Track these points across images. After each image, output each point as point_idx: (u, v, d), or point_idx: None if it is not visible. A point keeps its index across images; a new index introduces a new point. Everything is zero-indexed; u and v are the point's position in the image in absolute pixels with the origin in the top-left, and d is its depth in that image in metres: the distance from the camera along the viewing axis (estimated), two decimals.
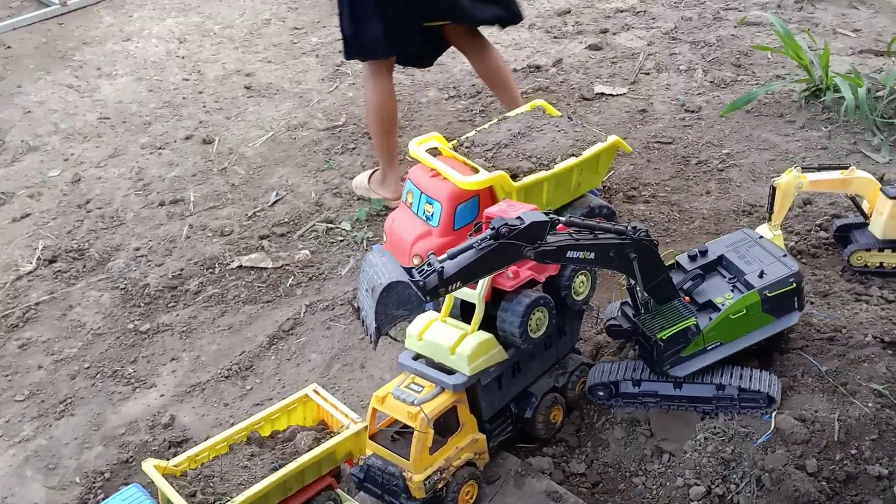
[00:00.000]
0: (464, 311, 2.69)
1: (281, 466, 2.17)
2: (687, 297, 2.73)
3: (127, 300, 3.82)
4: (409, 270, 2.22)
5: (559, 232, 2.40)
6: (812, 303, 3.11)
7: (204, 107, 5.40)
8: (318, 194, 4.38)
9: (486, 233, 2.29)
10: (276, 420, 2.40)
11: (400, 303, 2.15)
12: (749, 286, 2.67)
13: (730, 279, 2.75)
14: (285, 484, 2.17)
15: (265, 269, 3.90)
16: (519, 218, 2.31)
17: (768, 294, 2.64)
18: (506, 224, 2.28)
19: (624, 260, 2.50)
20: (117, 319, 3.71)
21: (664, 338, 2.63)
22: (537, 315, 2.60)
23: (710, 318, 2.66)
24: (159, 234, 4.23)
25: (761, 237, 2.88)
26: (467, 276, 2.24)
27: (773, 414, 2.62)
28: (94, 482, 2.96)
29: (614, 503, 2.66)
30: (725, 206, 3.85)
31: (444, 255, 2.25)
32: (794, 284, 2.66)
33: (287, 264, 3.91)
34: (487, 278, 2.54)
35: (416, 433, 2.48)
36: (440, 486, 2.54)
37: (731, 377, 2.69)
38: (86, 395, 3.34)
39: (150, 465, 2.15)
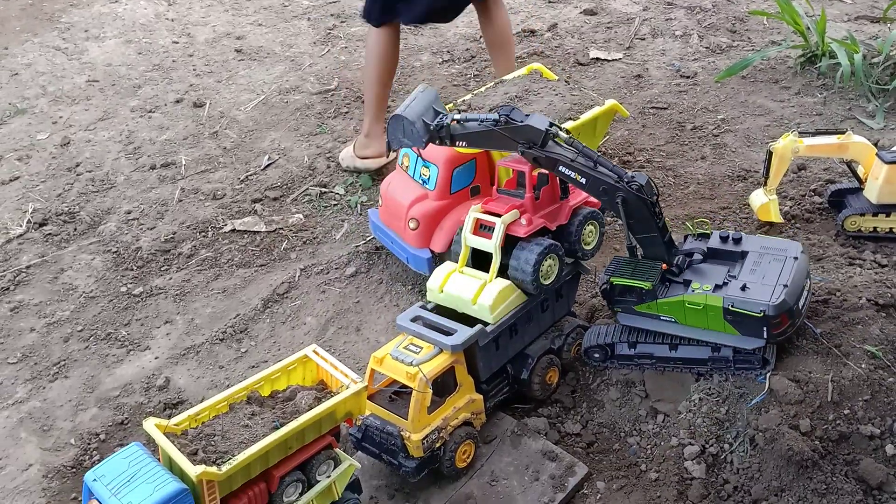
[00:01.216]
0: (476, 261, 2.75)
1: (282, 425, 2.17)
2: (665, 265, 2.71)
3: (119, 263, 3.79)
4: (437, 114, 2.62)
5: (565, 147, 2.56)
6: None
7: (194, 70, 5.33)
8: (310, 158, 4.35)
9: (492, 115, 2.54)
10: (276, 380, 2.40)
11: (405, 133, 2.62)
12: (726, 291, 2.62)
13: (728, 275, 2.69)
14: (286, 442, 2.17)
15: (258, 232, 3.88)
16: (527, 115, 2.52)
17: (731, 307, 2.58)
18: (508, 116, 2.53)
19: (611, 200, 2.58)
20: (110, 282, 3.69)
21: (613, 282, 2.72)
22: (548, 262, 2.67)
23: (677, 295, 2.66)
24: (151, 198, 4.19)
25: (797, 258, 2.68)
26: (469, 141, 2.64)
27: (768, 375, 2.64)
28: (89, 443, 2.96)
29: (609, 462, 2.68)
30: (720, 171, 3.85)
31: (460, 116, 2.58)
32: (762, 314, 2.54)
33: (281, 228, 3.89)
34: (501, 227, 2.63)
35: (414, 393, 2.49)
36: (438, 445, 2.55)
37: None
38: (79, 358, 3.33)
39: (151, 424, 2.14)
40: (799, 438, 2.50)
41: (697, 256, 2.76)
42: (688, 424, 2.66)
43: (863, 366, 2.62)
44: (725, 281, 2.66)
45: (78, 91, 5.17)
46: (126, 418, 3.05)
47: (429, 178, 3.29)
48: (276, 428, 2.16)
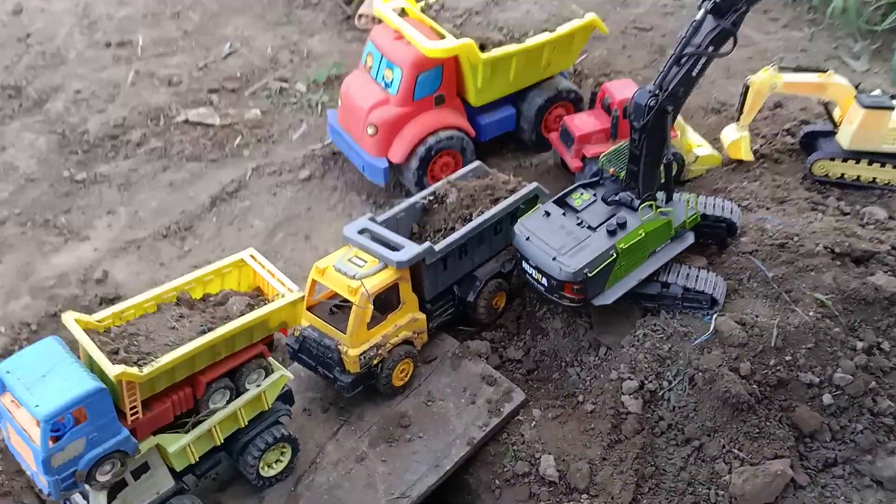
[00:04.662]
0: None
1: (210, 330, 2.10)
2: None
3: (64, 146, 3.63)
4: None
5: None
6: (768, 208, 3.07)
7: None
8: (274, 50, 4.15)
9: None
10: (209, 283, 2.32)
11: None
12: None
13: (604, 219, 2.91)
14: (214, 348, 2.11)
15: (212, 125, 3.73)
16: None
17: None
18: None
19: None
20: (52, 165, 3.54)
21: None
22: None
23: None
24: (103, 78, 3.99)
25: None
26: None
27: (714, 315, 2.62)
28: (19, 333, 2.89)
29: (547, 391, 2.68)
30: (696, 102, 3.74)
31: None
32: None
33: (235, 122, 3.75)
34: None
35: (354, 308, 2.44)
36: (375, 362, 2.51)
37: (677, 275, 2.67)
38: (15, 243, 3.21)
39: (70, 319, 2.06)
40: (738, 381, 2.50)
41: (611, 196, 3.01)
42: (629, 359, 2.64)
43: (811, 313, 2.61)
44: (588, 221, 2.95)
45: None
46: (60, 310, 2.97)
47: (392, 82, 3.15)
48: (204, 332, 2.10)
